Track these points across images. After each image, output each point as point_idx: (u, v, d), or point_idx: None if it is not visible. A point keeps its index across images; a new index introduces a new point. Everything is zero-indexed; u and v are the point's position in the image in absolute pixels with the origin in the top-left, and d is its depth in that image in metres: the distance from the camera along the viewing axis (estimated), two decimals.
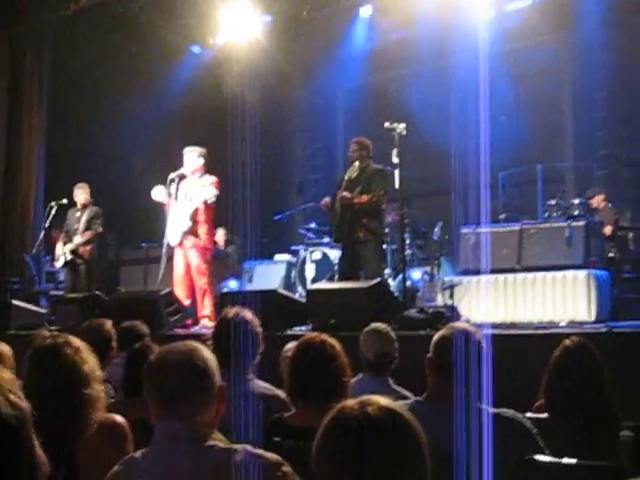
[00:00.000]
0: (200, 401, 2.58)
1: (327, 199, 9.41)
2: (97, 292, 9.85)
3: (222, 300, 8.45)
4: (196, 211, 9.47)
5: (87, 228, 10.97)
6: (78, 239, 10.92)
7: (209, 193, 9.39)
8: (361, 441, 1.87)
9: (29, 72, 13.53)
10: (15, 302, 10.42)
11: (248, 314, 4.49)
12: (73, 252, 10.97)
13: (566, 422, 3.84)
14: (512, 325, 7.80)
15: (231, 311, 4.50)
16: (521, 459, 3.19)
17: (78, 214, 11.09)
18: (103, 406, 3.17)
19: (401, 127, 8.41)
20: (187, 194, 9.61)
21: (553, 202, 9.62)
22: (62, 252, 11.06)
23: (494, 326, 7.81)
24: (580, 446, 3.64)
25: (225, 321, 4.44)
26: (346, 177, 9.21)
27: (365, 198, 8.89)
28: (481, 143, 12.12)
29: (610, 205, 11.17)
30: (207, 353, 2.71)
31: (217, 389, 2.66)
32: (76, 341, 3.21)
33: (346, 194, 8.97)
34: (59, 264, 11.27)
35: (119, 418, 3.18)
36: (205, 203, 9.46)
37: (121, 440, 3.11)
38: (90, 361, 3.16)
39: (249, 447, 2.56)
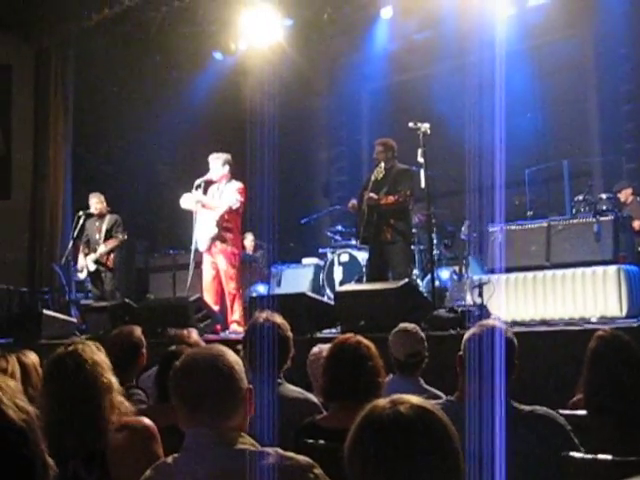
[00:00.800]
0: (227, 405, 2.57)
1: (354, 201, 9.40)
2: (126, 300, 9.88)
3: (251, 305, 8.47)
4: (222, 217, 9.49)
5: (108, 237, 11.02)
6: (102, 248, 10.96)
7: (232, 199, 9.43)
8: (394, 440, 1.86)
9: (54, 83, 13.64)
10: (46, 312, 10.49)
11: (278, 318, 4.46)
12: (97, 262, 11.03)
13: (604, 417, 3.79)
14: (543, 322, 7.74)
15: (261, 316, 4.46)
16: (556, 456, 3.15)
17: (97, 223, 11.14)
18: (123, 412, 3.16)
19: (425, 126, 8.39)
20: (214, 201, 9.64)
21: (580, 198, 9.55)
22: (85, 263, 11.13)
23: (524, 324, 7.78)
24: (619, 442, 3.59)
25: (255, 326, 4.39)
26: (372, 178, 9.19)
27: (392, 199, 8.89)
28: (506, 140, 12.12)
29: (639, 199, 11.07)
30: (233, 357, 2.69)
31: (244, 392, 2.64)
32: (86, 353, 3.18)
33: (372, 195, 8.96)
34: (83, 275, 11.33)
35: (147, 420, 3.18)
36: (230, 209, 9.49)
37: (149, 442, 3.11)
38: (97, 371, 3.14)
39: (280, 450, 2.54)
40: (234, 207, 9.49)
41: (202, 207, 9.59)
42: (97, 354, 3.21)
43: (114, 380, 3.20)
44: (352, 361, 3.75)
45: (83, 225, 11.27)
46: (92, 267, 11.05)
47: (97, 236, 11.07)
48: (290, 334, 4.46)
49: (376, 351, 3.84)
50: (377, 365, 3.78)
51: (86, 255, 11.13)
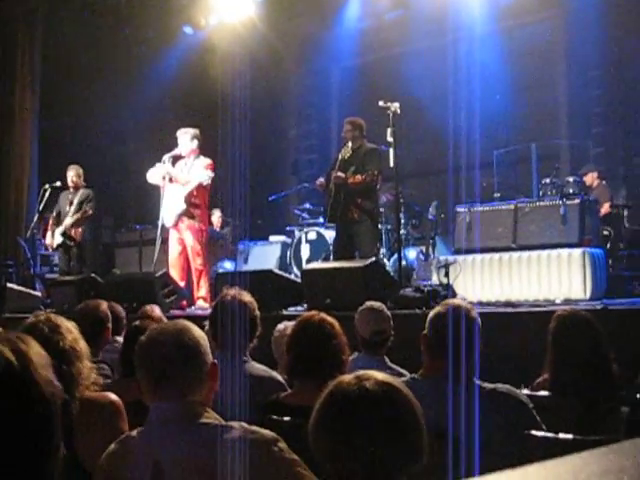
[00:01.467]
0: (191, 379, 2.57)
1: (322, 179, 9.39)
2: (92, 274, 9.83)
3: (217, 281, 8.47)
4: (190, 193, 9.46)
5: (78, 210, 10.92)
6: (68, 220, 10.86)
7: (204, 175, 9.39)
8: (359, 414, 1.88)
9: (20, 56, 13.49)
10: (10, 285, 10.43)
11: (246, 296, 4.43)
12: (64, 234, 10.92)
13: (567, 397, 3.83)
14: (508, 303, 7.80)
15: (229, 293, 4.43)
16: (518, 434, 3.19)
17: (70, 196, 11.03)
18: (92, 384, 3.16)
19: (395, 106, 8.38)
20: (183, 175, 9.59)
21: (548, 180, 9.60)
22: (55, 235, 11.04)
23: (490, 304, 7.84)
24: (580, 422, 3.64)
25: (223, 303, 4.36)
26: (339, 157, 9.18)
27: (359, 178, 8.89)
28: (475, 122, 12.16)
29: (604, 183, 11.17)
30: (198, 332, 2.69)
31: (209, 367, 2.65)
32: (58, 319, 3.18)
33: (340, 174, 8.95)
34: (48, 241, 11.23)
35: (112, 396, 3.18)
36: (200, 185, 9.45)
37: (115, 417, 3.11)
38: (70, 337, 3.13)
39: (245, 424, 2.56)
40: (204, 183, 9.45)
41: (170, 182, 9.54)
42: (69, 322, 3.21)
43: (86, 348, 3.20)
44: (316, 339, 3.74)
45: (55, 199, 11.16)
46: (59, 240, 10.94)
47: (67, 209, 10.95)
48: (258, 313, 4.43)
49: (340, 329, 3.83)
50: (341, 342, 3.78)
51: (56, 227, 11.03)
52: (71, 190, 11.05)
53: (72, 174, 11.02)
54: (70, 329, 3.18)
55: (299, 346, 3.80)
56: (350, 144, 9.16)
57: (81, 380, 3.08)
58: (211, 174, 9.46)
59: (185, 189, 9.44)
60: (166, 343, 2.59)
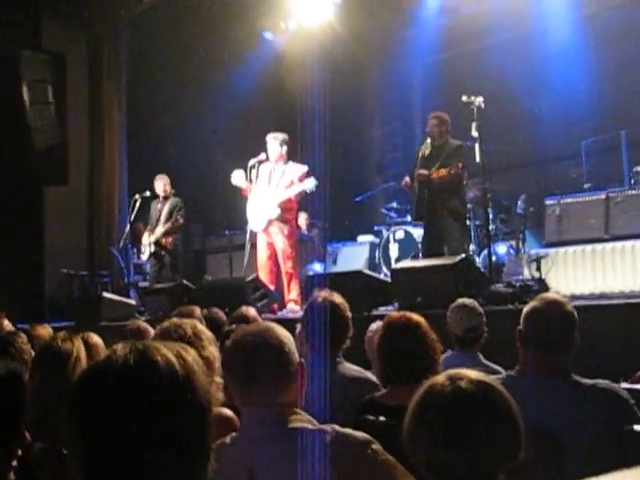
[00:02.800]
0: (279, 381, 2.56)
1: (407, 179, 9.37)
2: (184, 281, 9.98)
3: (307, 283, 8.49)
4: (288, 199, 9.49)
5: (168, 219, 11.12)
6: (160, 230, 11.08)
7: (310, 183, 9.34)
8: (455, 415, 1.87)
9: (107, 69, 13.79)
10: (105, 295, 10.65)
11: (338, 297, 4.42)
12: (156, 243, 11.14)
13: None
14: (602, 296, 7.64)
15: (320, 295, 4.42)
16: (619, 430, 3.11)
17: (159, 206, 11.25)
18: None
19: (479, 100, 8.30)
20: (272, 181, 9.64)
21: (639, 168, 9.38)
22: (147, 244, 11.25)
23: (584, 297, 7.69)
24: None
25: (314, 305, 4.35)
26: (424, 154, 9.14)
27: (443, 172, 8.83)
28: (562, 112, 11.95)
29: None
30: (282, 331, 2.67)
31: (296, 366, 2.62)
32: (202, 328, 3.21)
33: (423, 172, 8.92)
34: (145, 256, 11.46)
35: (228, 412, 3.17)
36: (304, 193, 9.45)
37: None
38: (210, 349, 3.15)
39: (337, 427, 2.54)
40: (308, 191, 9.43)
41: (256, 186, 9.61)
42: (210, 333, 3.25)
43: (219, 363, 3.18)
44: (404, 344, 3.66)
45: (146, 207, 11.38)
46: (152, 248, 11.18)
47: (157, 218, 11.18)
48: (349, 314, 4.40)
49: (428, 326, 3.74)
50: (431, 343, 3.69)
51: (149, 236, 11.25)
52: (160, 199, 11.26)
53: (162, 183, 11.24)
54: (211, 340, 3.21)
55: (388, 353, 3.73)
56: (432, 140, 9.12)
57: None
58: (316, 182, 9.41)
59: (280, 195, 9.46)
60: (249, 344, 2.58)
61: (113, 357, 1.48)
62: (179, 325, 3.23)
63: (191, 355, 1.55)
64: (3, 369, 1.93)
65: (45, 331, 5.87)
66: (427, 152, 9.09)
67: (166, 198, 11.26)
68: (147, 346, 1.50)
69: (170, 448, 1.43)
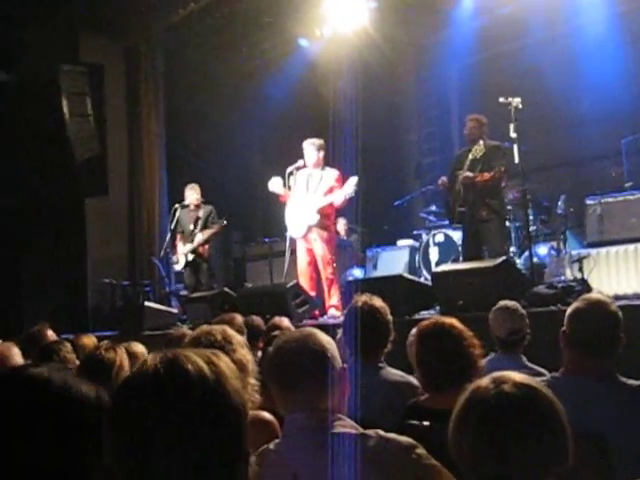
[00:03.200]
0: (322, 386, 2.54)
1: (444, 178, 9.35)
2: (225, 289, 10.02)
3: (348, 288, 8.47)
4: (327, 205, 9.49)
5: (204, 227, 11.21)
6: (199, 237, 11.16)
7: (349, 189, 9.31)
8: (500, 419, 1.86)
9: (144, 80, 13.90)
10: (147, 304, 10.74)
11: (378, 301, 4.40)
12: (193, 251, 11.22)
13: None
14: None
15: (360, 299, 4.41)
16: None
17: (192, 214, 11.33)
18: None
19: (517, 101, 8.26)
20: (309, 187, 9.65)
21: None
22: (183, 253, 11.33)
23: (627, 297, 7.60)
24: None
25: (355, 309, 4.33)
26: (470, 156, 9.12)
27: (487, 176, 8.83)
28: (600, 110, 11.84)
29: None
30: (323, 336, 2.66)
31: (339, 371, 2.61)
32: (232, 332, 3.25)
33: (468, 174, 8.90)
34: (179, 266, 11.53)
35: (267, 415, 3.19)
36: (345, 199, 9.43)
37: (270, 437, 3.13)
38: (242, 351, 3.17)
39: (381, 432, 2.52)
40: (348, 197, 9.41)
41: (294, 193, 9.63)
42: (241, 337, 3.29)
43: (253, 365, 3.23)
44: (439, 347, 3.58)
45: (178, 217, 11.48)
46: (190, 257, 11.24)
47: (192, 226, 11.26)
48: (390, 317, 4.39)
49: (461, 326, 3.65)
50: (466, 342, 3.58)
51: (184, 245, 11.34)
52: (192, 207, 11.34)
53: (195, 192, 11.33)
54: (242, 343, 3.24)
55: (426, 361, 3.66)
56: (476, 142, 9.09)
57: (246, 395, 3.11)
58: (356, 187, 9.34)
59: (320, 201, 9.46)
60: (291, 350, 2.58)
61: (144, 367, 1.53)
62: (209, 332, 3.27)
63: (222, 360, 1.59)
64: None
65: (90, 340, 5.94)
66: (468, 154, 9.07)
67: (198, 207, 11.34)
68: (177, 354, 1.55)
69: (206, 452, 1.46)
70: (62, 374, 1.79)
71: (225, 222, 11.20)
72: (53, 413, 1.70)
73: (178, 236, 11.51)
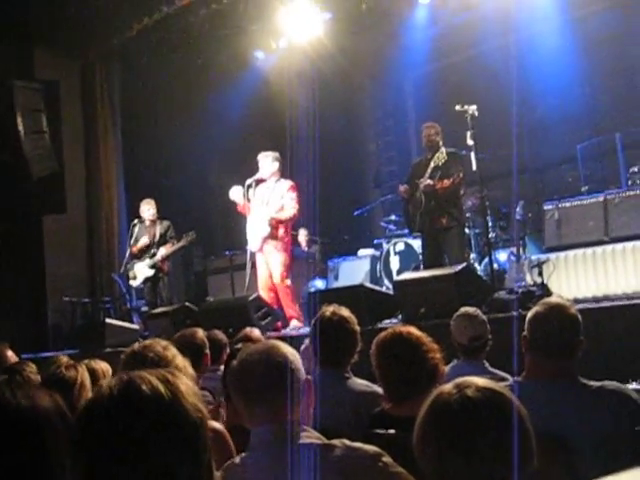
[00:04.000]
0: (286, 398, 2.53)
1: (405, 185, 9.39)
2: (187, 303, 9.97)
3: (310, 300, 8.47)
4: (276, 218, 9.50)
5: (162, 242, 11.14)
6: (162, 251, 11.07)
7: (290, 208, 9.48)
8: (464, 424, 1.86)
9: (100, 96, 13.82)
10: (108, 321, 10.64)
11: (346, 312, 4.38)
12: (153, 266, 11.13)
13: None
14: (605, 298, 7.63)
15: (328, 309, 4.38)
16: (630, 432, 3.10)
17: (150, 229, 11.25)
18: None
19: (472, 108, 8.32)
20: (264, 199, 9.66)
21: (636, 169, 9.40)
22: (139, 269, 11.23)
23: (587, 300, 7.68)
24: None
25: (322, 320, 4.33)
26: (422, 164, 9.18)
27: (447, 183, 8.89)
28: (556, 116, 11.98)
29: None
30: (286, 349, 2.65)
31: (302, 383, 2.61)
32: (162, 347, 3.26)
33: (429, 182, 8.93)
34: (137, 282, 11.42)
35: (215, 424, 3.19)
36: (294, 216, 9.57)
37: (219, 446, 3.12)
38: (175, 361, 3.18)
39: (347, 441, 2.51)
40: (293, 214, 9.52)
41: (253, 206, 9.64)
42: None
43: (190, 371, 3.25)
44: (394, 357, 3.63)
45: (135, 232, 11.39)
46: (150, 272, 11.14)
47: (150, 241, 11.17)
48: (357, 328, 4.37)
49: (419, 333, 3.69)
50: (424, 347, 3.63)
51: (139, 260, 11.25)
52: (147, 223, 11.25)
53: (151, 207, 11.24)
54: (175, 354, 3.24)
55: (386, 371, 3.69)
56: (436, 149, 9.15)
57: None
58: (296, 203, 9.52)
59: (268, 214, 9.49)
60: (255, 364, 2.57)
61: (100, 392, 1.59)
62: (141, 350, 3.28)
63: (179, 378, 1.63)
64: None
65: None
66: (429, 162, 9.11)
67: (154, 222, 11.26)
68: (132, 376, 1.59)
69: (167, 469, 1.50)
70: (24, 392, 1.80)
71: (194, 235, 11.11)
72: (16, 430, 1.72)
73: (134, 251, 11.39)
